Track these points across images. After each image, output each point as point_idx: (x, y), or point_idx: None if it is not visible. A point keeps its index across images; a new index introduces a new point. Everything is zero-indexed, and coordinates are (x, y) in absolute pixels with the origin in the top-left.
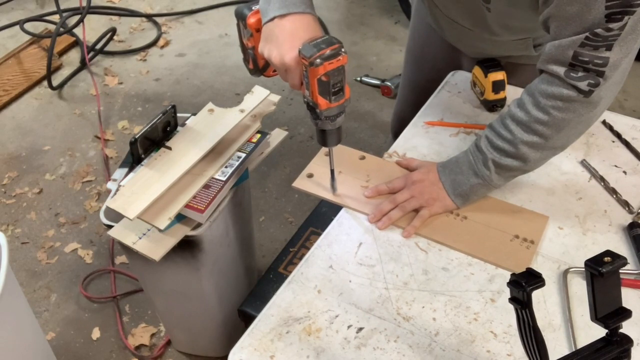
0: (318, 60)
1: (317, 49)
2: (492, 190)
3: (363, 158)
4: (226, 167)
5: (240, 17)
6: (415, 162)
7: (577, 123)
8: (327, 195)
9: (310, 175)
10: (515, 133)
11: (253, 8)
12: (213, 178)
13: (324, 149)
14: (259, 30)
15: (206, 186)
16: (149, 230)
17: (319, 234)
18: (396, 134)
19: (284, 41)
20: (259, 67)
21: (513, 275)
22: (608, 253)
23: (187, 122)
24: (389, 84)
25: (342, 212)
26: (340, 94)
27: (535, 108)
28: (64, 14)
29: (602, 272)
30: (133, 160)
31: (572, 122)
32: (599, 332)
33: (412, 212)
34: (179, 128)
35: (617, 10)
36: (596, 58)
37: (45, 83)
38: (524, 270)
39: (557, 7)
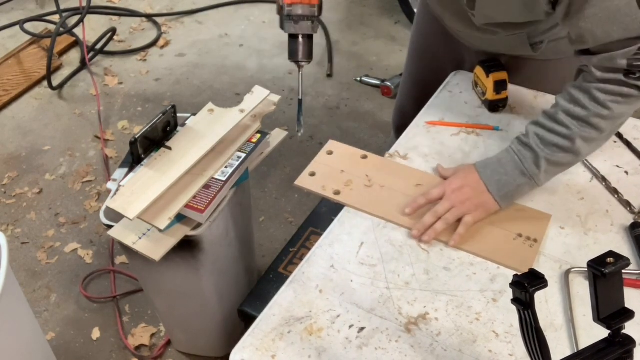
0: None
1: None
2: (535, 189)
3: (365, 157)
4: (226, 167)
5: None
6: (449, 172)
7: (629, 115)
8: (330, 194)
9: (312, 174)
10: (572, 128)
11: None
12: (213, 178)
13: (325, 148)
14: None
15: (206, 186)
16: (149, 230)
17: (319, 234)
18: (398, 128)
19: None
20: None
21: (515, 276)
22: (611, 254)
23: (187, 122)
24: (389, 84)
25: (343, 212)
26: None
27: (595, 103)
28: (64, 14)
29: (604, 272)
30: (133, 160)
31: (627, 114)
32: (601, 332)
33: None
34: (179, 128)
35: None
36: None
37: (45, 83)
38: (528, 269)
39: (595, 41)
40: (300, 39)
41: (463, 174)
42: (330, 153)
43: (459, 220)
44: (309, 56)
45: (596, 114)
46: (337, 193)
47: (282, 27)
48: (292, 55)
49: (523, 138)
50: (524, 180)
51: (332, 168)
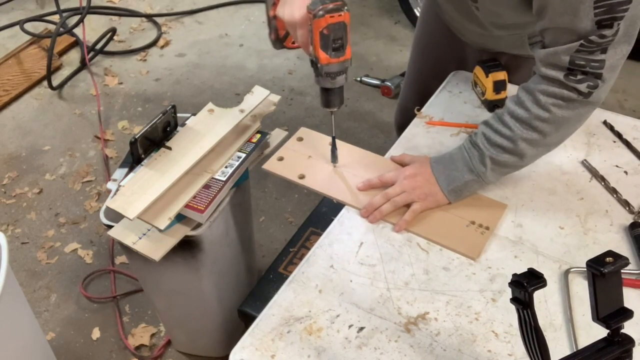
0: (320, 12)
1: (321, 2)
2: (484, 186)
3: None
4: (226, 167)
5: None
6: (407, 158)
7: (575, 121)
8: (295, 178)
9: (280, 159)
10: (515, 130)
11: None
12: (213, 178)
13: (296, 135)
14: None
15: (206, 186)
16: (149, 230)
17: (319, 234)
18: (400, 127)
19: (296, 0)
20: (280, 37)
21: (515, 275)
22: (610, 253)
23: (187, 122)
24: (389, 84)
25: (343, 212)
26: (341, 51)
27: (536, 105)
28: (64, 14)
29: (603, 272)
30: (133, 160)
31: (570, 120)
32: (600, 331)
33: (403, 207)
34: (179, 128)
35: (605, 17)
36: (592, 61)
37: (45, 83)
38: (476, 255)
39: (550, 19)
40: (335, 89)
41: (418, 164)
42: (300, 139)
43: (408, 206)
44: (342, 102)
45: (537, 117)
46: (301, 177)
47: (318, 83)
48: (327, 105)
49: (473, 137)
50: (471, 177)
51: (300, 153)
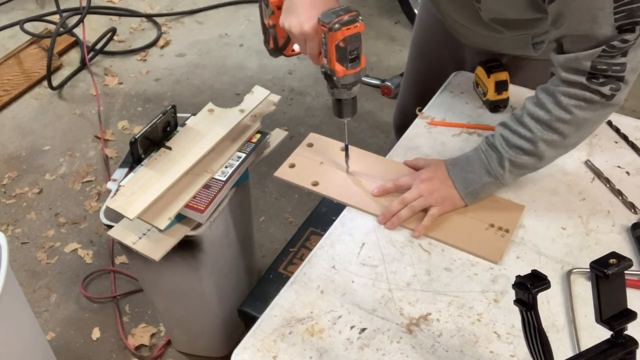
0: (337, 26)
1: (336, 15)
2: (501, 188)
3: (344, 149)
4: (226, 167)
5: None
6: (421, 162)
7: (595, 122)
8: (308, 185)
9: (292, 166)
10: (535, 131)
11: None
12: (213, 178)
13: (306, 140)
14: (280, 8)
15: (206, 186)
16: (149, 230)
17: (319, 234)
18: (398, 128)
19: (303, 11)
20: (279, 46)
21: (518, 277)
22: (613, 255)
23: (187, 122)
24: (389, 84)
25: (344, 212)
26: (357, 62)
27: (557, 107)
28: (64, 14)
29: (607, 273)
30: (133, 160)
31: (591, 121)
32: (603, 332)
33: (420, 211)
34: (179, 128)
35: (626, 22)
36: (614, 65)
37: (45, 83)
38: (498, 258)
39: (568, 28)
40: (350, 100)
41: (434, 167)
42: (310, 145)
43: (425, 211)
44: (355, 112)
45: (558, 118)
46: (315, 184)
47: (332, 95)
48: (341, 116)
49: (490, 138)
50: (489, 179)
51: (311, 160)
